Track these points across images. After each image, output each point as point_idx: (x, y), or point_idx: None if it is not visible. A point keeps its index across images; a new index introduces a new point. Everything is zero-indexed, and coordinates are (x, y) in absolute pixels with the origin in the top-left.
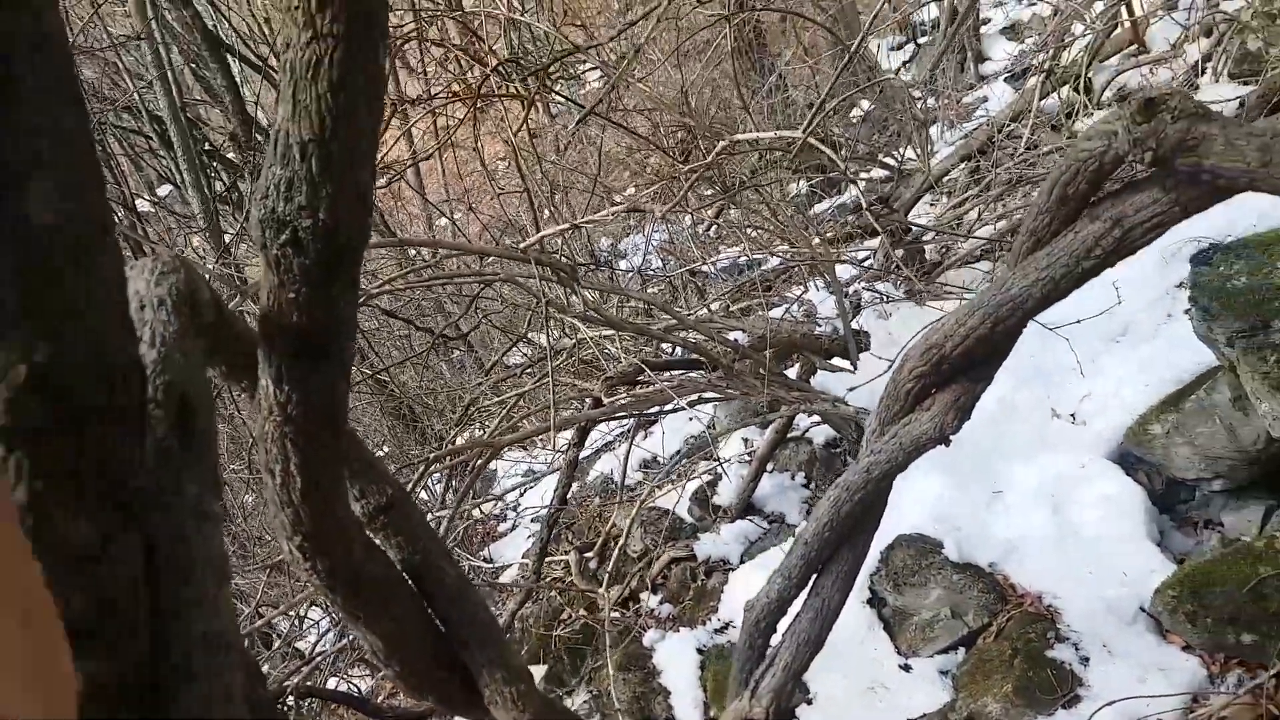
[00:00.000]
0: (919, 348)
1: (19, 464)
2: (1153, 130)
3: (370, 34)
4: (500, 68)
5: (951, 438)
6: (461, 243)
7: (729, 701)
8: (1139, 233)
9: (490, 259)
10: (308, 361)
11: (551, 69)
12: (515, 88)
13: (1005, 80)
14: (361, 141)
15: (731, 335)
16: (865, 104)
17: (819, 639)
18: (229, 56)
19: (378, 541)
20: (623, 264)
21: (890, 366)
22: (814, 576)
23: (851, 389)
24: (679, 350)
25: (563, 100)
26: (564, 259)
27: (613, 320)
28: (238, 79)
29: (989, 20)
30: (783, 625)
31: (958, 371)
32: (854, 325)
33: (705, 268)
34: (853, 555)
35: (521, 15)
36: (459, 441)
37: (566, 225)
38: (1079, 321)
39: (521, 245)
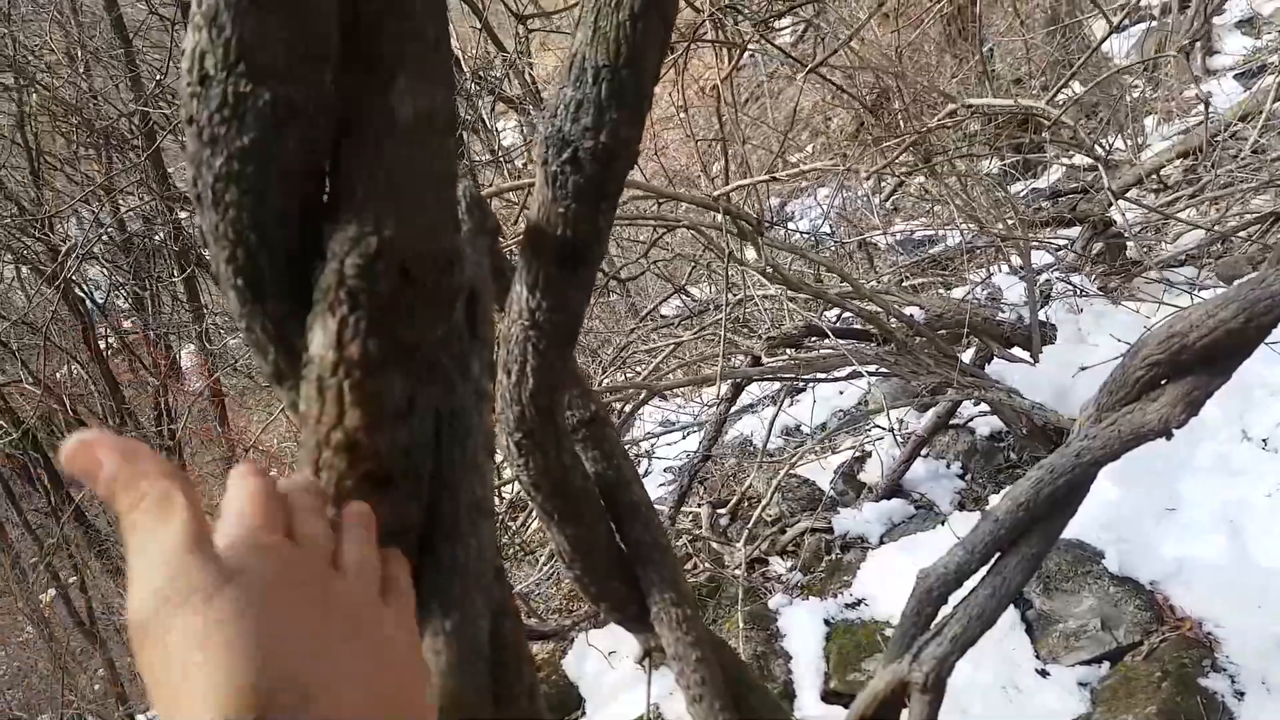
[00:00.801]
0: (1159, 335)
1: (358, 321)
2: None
3: None
4: (715, 14)
5: (1175, 432)
6: (653, 185)
7: (885, 664)
8: None
9: (670, 203)
10: (566, 271)
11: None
12: (729, 34)
13: (1235, 77)
14: (649, 71)
15: (907, 310)
16: (1077, 86)
17: (992, 617)
18: None
19: (577, 450)
20: (790, 225)
21: (1122, 354)
22: (998, 555)
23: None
24: (845, 320)
25: (779, 51)
26: (746, 213)
27: (791, 280)
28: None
29: (1224, 11)
30: (954, 599)
31: (1196, 363)
32: (1040, 316)
33: (882, 238)
34: (1042, 540)
35: None
36: (606, 383)
37: (765, 177)
38: None
39: (714, 193)
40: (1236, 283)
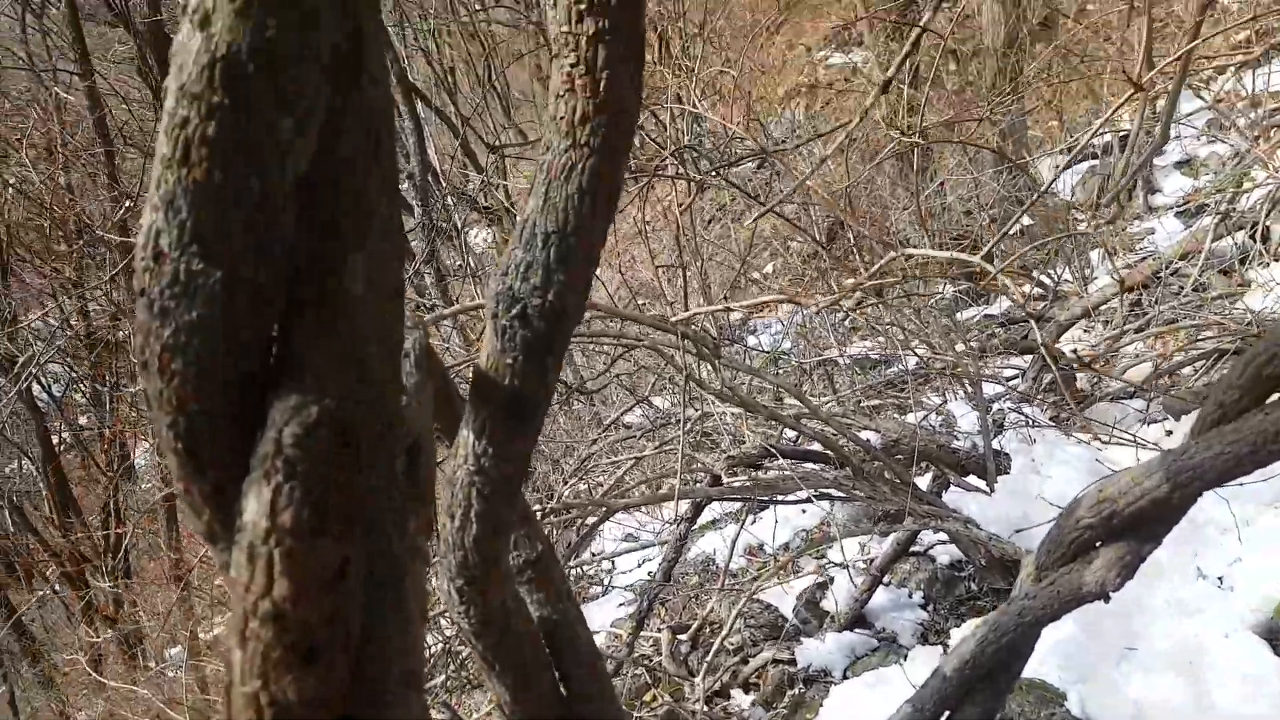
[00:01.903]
0: (1090, 499)
1: (292, 490)
2: None
3: (619, 150)
4: (677, 152)
5: (1112, 594)
6: (611, 306)
7: None
8: None
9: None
10: (511, 421)
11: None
12: (688, 170)
13: (1175, 215)
14: (596, 240)
15: (864, 434)
16: (1025, 219)
17: None
18: (417, 102)
19: (521, 593)
20: (750, 339)
21: (1058, 513)
22: (946, 714)
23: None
24: (806, 439)
25: (737, 188)
26: (704, 331)
27: (747, 401)
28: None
29: (1164, 152)
30: None
31: (1127, 529)
32: (995, 445)
33: (838, 358)
34: (991, 696)
35: (706, 111)
36: (567, 494)
37: (721, 306)
38: (1240, 483)
39: (674, 318)
40: (1159, 453)
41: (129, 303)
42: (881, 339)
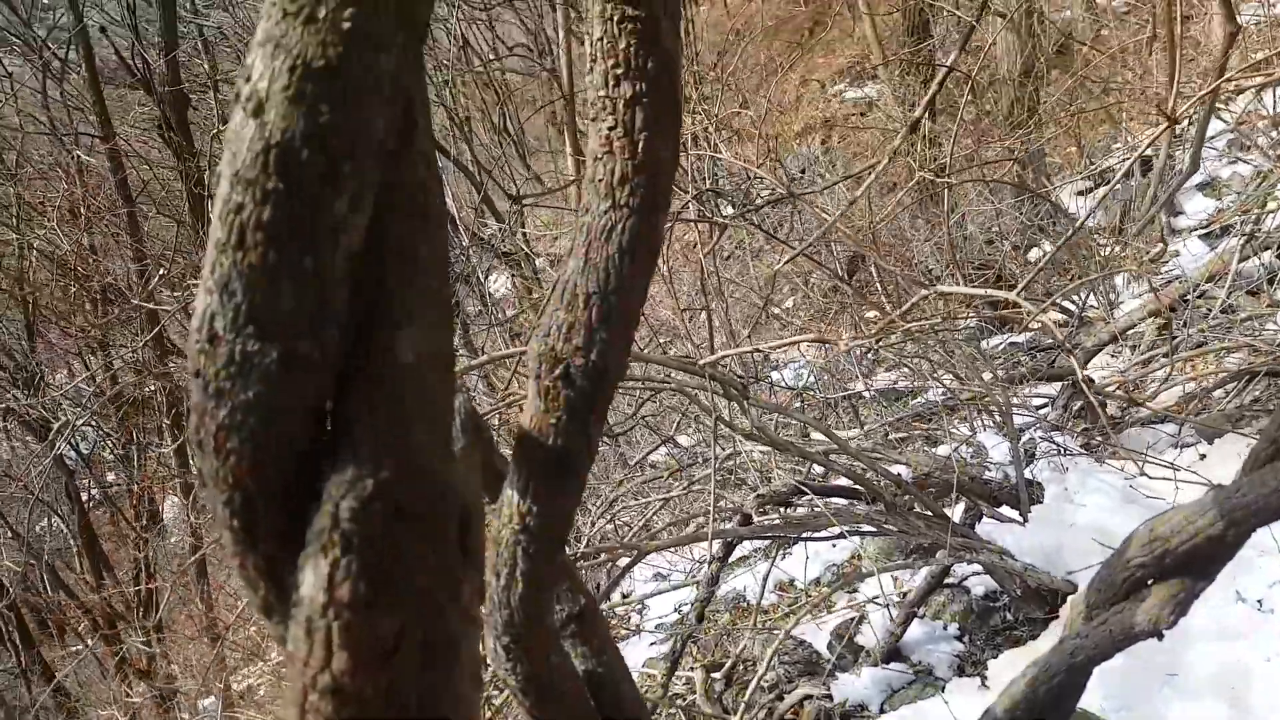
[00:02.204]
0: (1142, 537)
1: (350, 564)
2: None
3: (658, 209)
4: (698, 195)
5: (1165, 633)
6: (636, 350)
7: None
8: None
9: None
10: (555, 480)
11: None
12: (710, 213)
13: (1200, 237)
14: (636, 298)
15: (894, 469)
16: (1046, 245)
17: None
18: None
19: (565, 648)
20: (774, 374)
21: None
22: None
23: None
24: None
25: (760, 230)
26: (730, 372)
27: (777, 440)
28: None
29: (1180, 172)
30: None
31: (1180, 567)
32: (1027, 475)
33: (864, 391)
34: None
35: (725, 152)
36: (595, 536)
37: (750, 348)
38: None
39: (701, 360)
40: (1211, 490)
41: (155, 363)
42: (907, 370)
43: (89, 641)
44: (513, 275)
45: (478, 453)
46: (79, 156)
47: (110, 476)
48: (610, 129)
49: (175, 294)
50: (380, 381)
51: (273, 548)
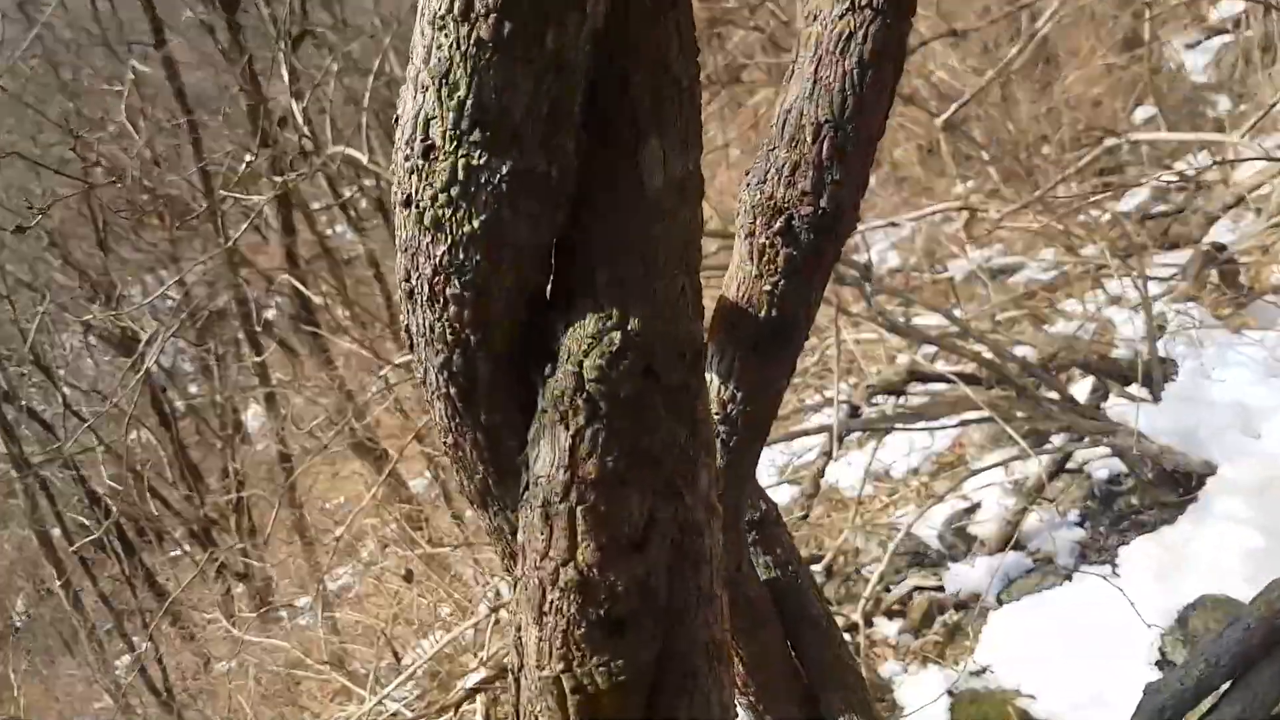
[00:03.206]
0: None
1: (596, 434)
2: None
3: (905, 10)
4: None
5: None
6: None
7: None
8: None
9: None
10: (763, 355)
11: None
12: None
13: None
14: (877, 126)
15: (1017, 351)
16: (1150, 106)
17: None
18: None
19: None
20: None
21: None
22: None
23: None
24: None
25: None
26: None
27: (898, 326)
28: None
29: None
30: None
31: None
32: (1159, 351)
33: (965, 265)
34: None
35: None
36: None
37: (882, 222)
38: None
39: None
40: None
41: (228, 273)
42: (1003, 244)
43: (186, 548)
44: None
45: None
46: (134, 66)
47: (192, 389)
48: None
49: (238, 202)
50: (626, 212)
51: (495, 420)
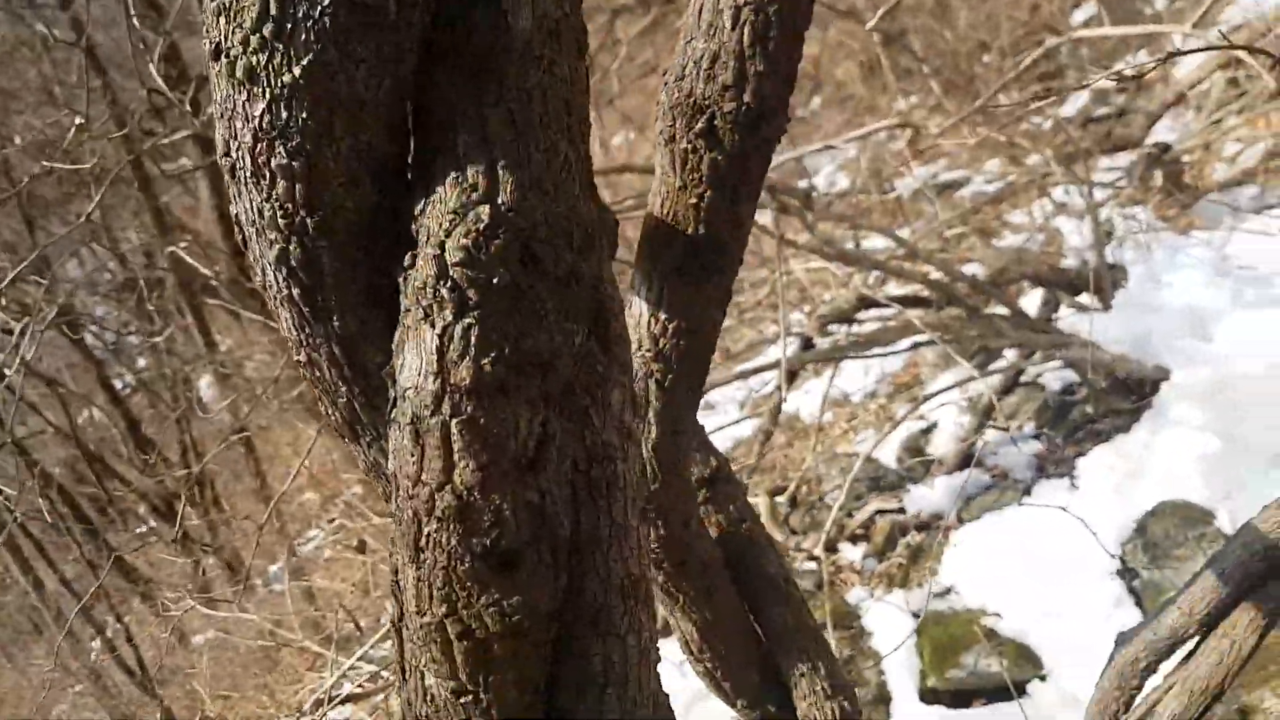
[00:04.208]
0: None
1: (468, 330)
2: None
3: None
4: None
5: None
6: None
7: None
8: None
9: None
10: (694, 279)
11: None
12: None
13: None
14: (801, 10)
15: (966, 269)
16: (1091, 6)
17: (1220, 688)
18: None
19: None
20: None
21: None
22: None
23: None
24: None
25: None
26: (788, 184)
27: (846, 253)
28: None
29: None
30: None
31: None
32: (1107, 258)
33: (914, 185)
34: None
35: None
36: None
37: (820, 145)
38: None
39: None
40: None
41: (161, 243)
42: (949, 158)
43: (151, 523)
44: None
45: (607, 233)
46: (40, 31)
47: (141, 363)
48: None
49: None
50: (488, 59)
51: (351, 324)
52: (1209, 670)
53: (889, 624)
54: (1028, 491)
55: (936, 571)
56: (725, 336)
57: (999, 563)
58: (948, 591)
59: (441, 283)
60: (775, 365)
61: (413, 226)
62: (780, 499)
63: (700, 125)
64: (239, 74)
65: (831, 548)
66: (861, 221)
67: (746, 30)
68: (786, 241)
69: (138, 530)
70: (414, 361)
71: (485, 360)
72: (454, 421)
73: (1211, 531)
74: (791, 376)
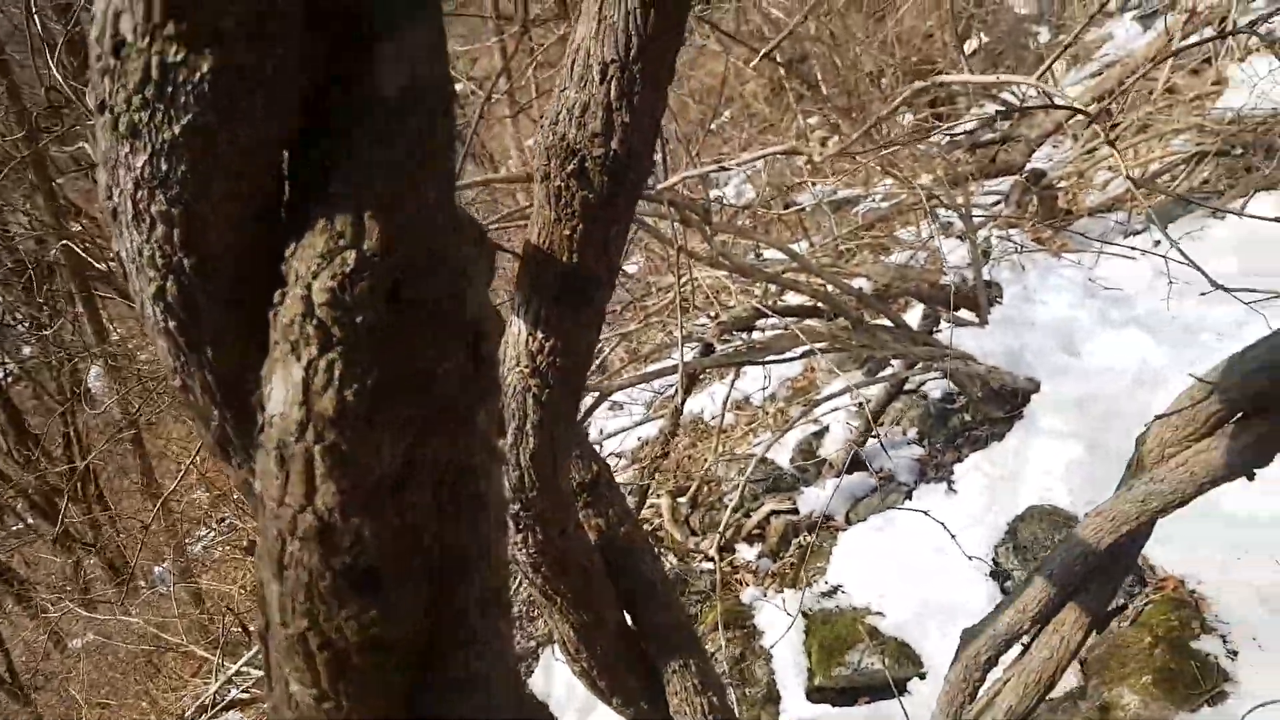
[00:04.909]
0: (1238, 366)
1: (332, 366)
2: None
3: None
4: None
5: (1256, 473)
6: None
7: None
8: None
9: None
10: (570, 305)
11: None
12: None
13: (1137, 19)
14: (664, 65)
15: (854, 282)
16: (984, 35)
17: (1052, 681)
18: None
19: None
20: (714, 193)
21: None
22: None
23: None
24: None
25: (721, 33)
26: (689, 198)
27: (742, 265)
28: None
29: None
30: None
31: (1274, 400)
32: (984, 276)
33: (815, 201)
34: (1102, 592)
35: None
36: None
37: (714, 165)
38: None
39: (659, 186)
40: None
41: (54, 224)
42: (848, 176)
43: (28, 519)
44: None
45: (485, 259)
46: None
47: (26, 350)
48: None
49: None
50: (360, 115)
51: (226, 357)
52: (1041, 664)
53: (780, 623)
54: (910, 494)
55: (824, 571)
56: (633, 338)
57: (883, 563)
58: (835, 590)
59: (307, 320)
60: (674, 370)
61: (283, 267)
62: (682, 500)
63: (572, 166)
64: (122, 129)
65: (729, 548)
66: (759, 235)
67: (613, 85)
68: (686, 252)
69: (14, 527)
70: (280, 392)
71: (348, 392)
72: (317, 448)
73: None
74: (693, 380)
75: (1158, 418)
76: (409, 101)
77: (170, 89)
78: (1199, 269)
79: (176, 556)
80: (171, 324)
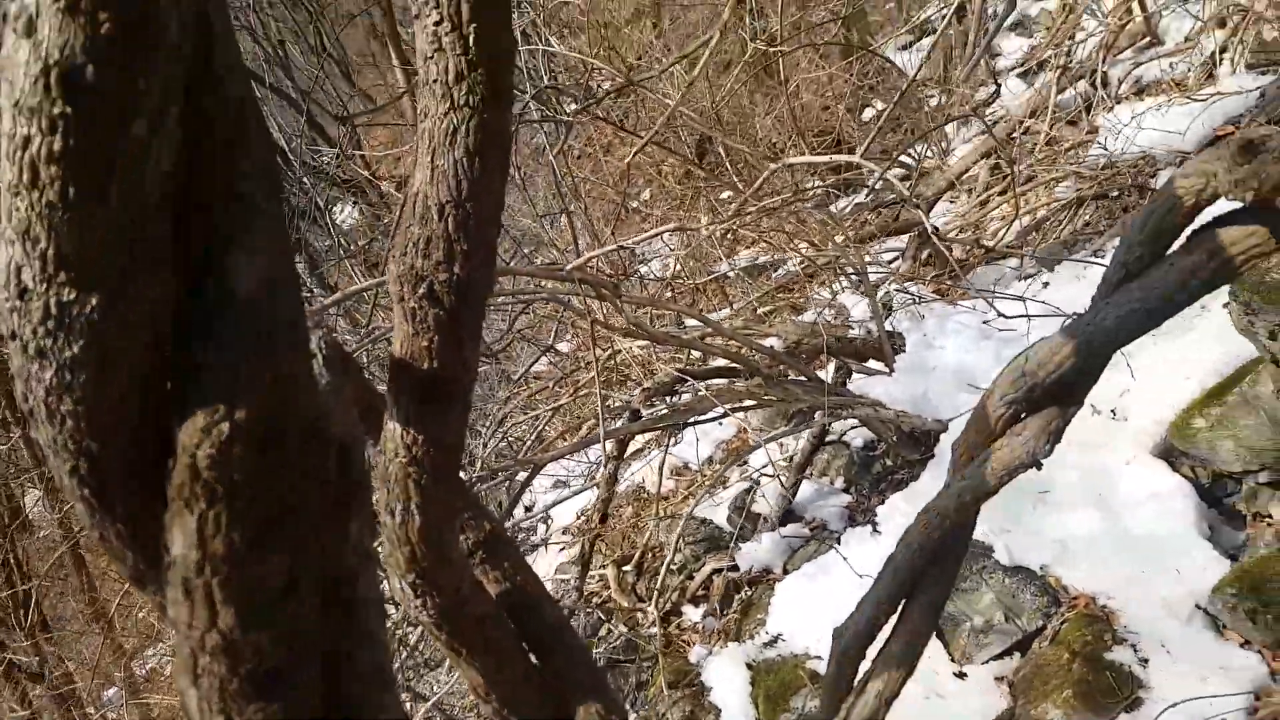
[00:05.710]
0: (1010, 375)
1: (218, 517)
2: (1254, 171)
3: (500, 104)
4: (538, 95)
5: (1044, 461)
6: (502, 265)
7: None
8: (1235, 264)
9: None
10: (435, 405)
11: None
12: (554, 111)
13: (1018, 76)
14: (493, 201)
15: (767, 341)
16: (878, 104)
17: (911, 665)
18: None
19: (476, 575)
20: (642, 268)
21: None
22: (904, 602)
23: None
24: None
25: (610, 124)
26: (601, 273)
27: (654, 333)
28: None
29: (995, 15)
30: (871, 651)
31: (1049, 397)
32: (887, 327)
33: (729, 271)
34: (940, 580)
35: (558, 46)
36: (490, 458)
37: (614, 245)
38: None
39: (569, 265)
40: (1069, 321)
41: None
42: (766, 245)
43: None
44: (356, 203)
45: (348, 388)
46: None
47: None
48: (436, 24)
49: None
50: (221, 315)
51: (134, 512)
52: (900, 652)
53: (727, 677)
54: (839, 540)
55: (764, 622)
56: (566, 413)
57: (818, 609)
58: (775, 640)
59: (195, 482)
60: (596, 440)
61: (175, 439)
62: (627, 568)
63: (423, 290)
64: (31, 352)
65: (676, 611)
66: (671, 304)
67: (450, 221)
68: (600, 324)
69: None
70: (180, 539)
71: (234, 534)
72: (214, 580)
73: (991, 563)
74: (624, 447)
75: (965, 427)
76: (261, 294)
77: (67, 320)
78: (1057, 308)
79: (126, 674)
80: (86, 492)
